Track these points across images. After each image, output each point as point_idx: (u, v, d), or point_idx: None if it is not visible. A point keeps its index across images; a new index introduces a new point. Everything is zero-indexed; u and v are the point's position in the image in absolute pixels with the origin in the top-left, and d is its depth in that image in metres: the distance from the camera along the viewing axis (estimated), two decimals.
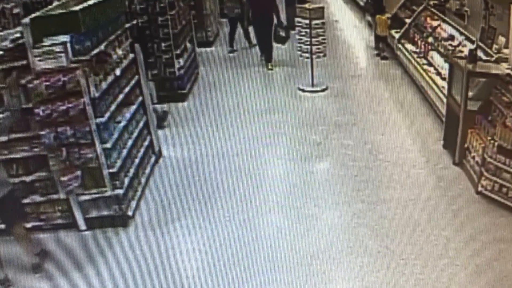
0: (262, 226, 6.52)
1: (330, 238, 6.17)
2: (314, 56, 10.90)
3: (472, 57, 7.26)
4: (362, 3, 17.20)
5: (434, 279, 5.35)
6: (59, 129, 5.98)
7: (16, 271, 5.99)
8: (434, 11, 11.39)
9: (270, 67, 12.51)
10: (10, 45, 6.10)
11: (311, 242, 6.11)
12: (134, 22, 8.28)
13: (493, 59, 7.54)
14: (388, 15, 12.94)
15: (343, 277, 5.57)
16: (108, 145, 6.34)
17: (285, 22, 13.00)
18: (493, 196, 6.52)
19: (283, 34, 12.23)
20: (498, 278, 5.30)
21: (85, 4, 6.22)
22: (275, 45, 12.54)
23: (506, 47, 7.59)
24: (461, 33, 9.57)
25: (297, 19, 11.06)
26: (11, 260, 6.04)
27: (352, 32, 16.27)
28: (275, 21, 12.39)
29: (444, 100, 8.19)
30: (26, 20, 5.87)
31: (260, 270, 5.75)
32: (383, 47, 12.98)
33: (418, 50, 11.18)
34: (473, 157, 6.98)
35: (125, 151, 6.88)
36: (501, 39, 7.87)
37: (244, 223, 6.59)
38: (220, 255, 6.04)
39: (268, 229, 6.45)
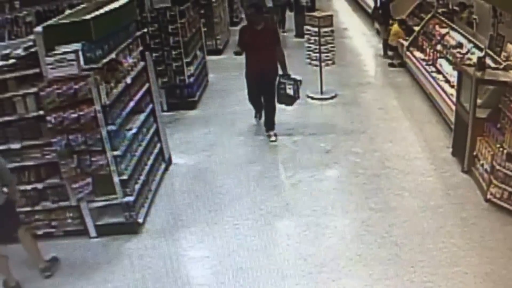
0: (272, 233, 6.52)
1: (340, 246, 6.15)
2: (323, 64, 10.88)
3: (481, 65, 7.23)
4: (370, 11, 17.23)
5: (443, 287, 5.32)
6: (71, 137, 6.00)
7: (27, 278, 6.00)
8: (443, 19, 11.38)
9: (273, 138, 9.08)
10: (23, 53, 6.15)
11: (321, 250, 6.09)
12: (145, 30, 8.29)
13: (501, 66, 7.51)
14: (396, 25, 12.91)
15: (353, 285, 5.53)
16: (118, 153, 6.35)
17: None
18: (502, 204, 6.48)
19: (290, 90, 8.92)
20: (507, 286, 5.26)
21: (97, 13, 6.25)
22: (278, 105, 9.16)
23: None
24: (470, 41, 9.56)
25: (306, 27, 11.07)
26: (22, 268, 6.08)
27: (361, 40, 16.26)
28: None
29: (453, 107, 8.16)
30: (39, 28, 5.91)
31: (270, 277, 5.74)
32: (392, 55, 12.97)
33: (426, 58, 11.16)
34: (482, 165, 6.94)
35: (135, 159, 6.90)
36: (510, 47, 7.87)
37: (253, 231, 6.58)
38: (230, 262, 6.03)
39: (277, 236, 6.46)
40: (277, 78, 8.86)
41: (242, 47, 9.03)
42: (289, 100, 9.01)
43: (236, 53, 9.35)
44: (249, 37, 8.79)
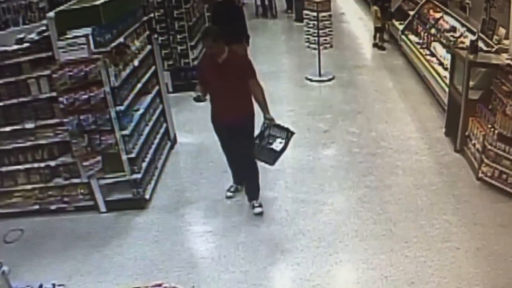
0: (271, 209, 6.48)
1: (336, 221, 6.14)
2: (321, 47, 10.80)
3: (473, 48, 7.17)
4: None
5: (436, 262, 5.31)
6: (82, 117, 6.01)
7: (44, 250, 6.07)
8: (437, 3, 11.24)
9: (257, 210, 6.38)
10: (36, 38, 6.12)
11: (318, 225, 6.09)
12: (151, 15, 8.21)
13: (493, 49, 7.44)
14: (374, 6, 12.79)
15: (349, 259, 5.54)
16: (127, 132, 6.35)
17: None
18: (493, 182, 6.45)
19: (279, 145, 5.96)
20: (497, 261, 5.26)
21: None
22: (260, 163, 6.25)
23: (506, 38, 7.48)
24: (463, 25, 9.45)
25: (305, 11, 10.96)
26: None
27: (358, 24, 16.12)
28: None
29: (446, 89, 8.10)
30: (51, 13, 5.86)
31: (270, 251, 5.76)
32: (377, 36, 12.96)
33: (421, 41, 11.06)
34: (474, 145, 6.90)
35: (142, 138, 6.88)
36: (502, 31, 7.76)
37: None
38: (232, 237, 6.05)
39: (276, 212, 6.43)
40: (253, 125, 6.15)
41: (203, 87, 6.06)
42: (272, 158, 5.98)
43: (196, 99, 6.02)
44: (209, 73, 5.99)
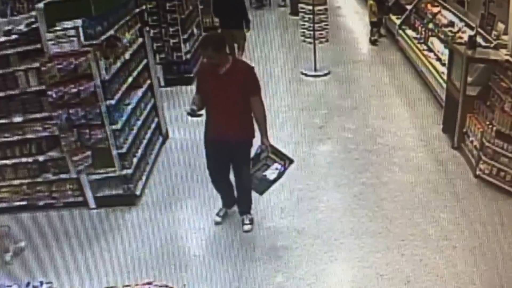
0: (266, 206, 6.44)
1: (332, 219, 6.13)
2: (317, 41, 10.79)
3: (472, 43, 7.17)
4: None
5: (433, 260, 5.31)
6: (71, 111, 5.96)
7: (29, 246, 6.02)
8: None
9: (246, 227, 6.04)
10: (25, 29, 6.07)
11: (313, 223, 6.08)
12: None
13: (492, 45, 7.44)
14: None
15: (344, 257, 5.53)
16: (117, 127, 6.32)
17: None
18: (491, 179, 6.45)
19: (273, 173, 5.68)
20: (495, 259, 5.26)
21: None
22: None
23: (505, 33, 7.48)
24: (461, 20, 9.45)
25: (300, 5, 10.94)
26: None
27: (354, 18, 16.11)
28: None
29: (444, 85, 8.11)
30: (40, 5, 5.81)
31: (263, 249, 5.75)
32: (373, 32, 12.96)
33: (418, 36, 11.07)
34: (472, 141, 6.90)
35: (133, 133, 6.85)
36: (500, 26, 7.76)
37: None
38: (225, 234, 6.04)
39: (271, 209, 6.41)
40: (251, 145, 5.72)
41: (200, 99, 5.52)
42: (263, 187, 5.73)
43: (191, 114, 5.42)
44: (207, 85, 5.51)
